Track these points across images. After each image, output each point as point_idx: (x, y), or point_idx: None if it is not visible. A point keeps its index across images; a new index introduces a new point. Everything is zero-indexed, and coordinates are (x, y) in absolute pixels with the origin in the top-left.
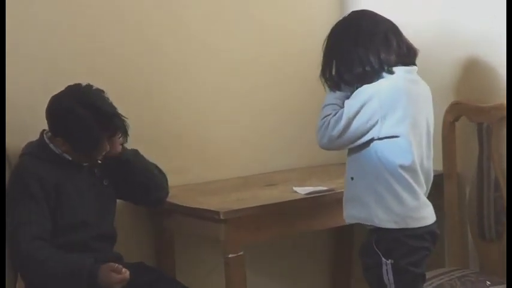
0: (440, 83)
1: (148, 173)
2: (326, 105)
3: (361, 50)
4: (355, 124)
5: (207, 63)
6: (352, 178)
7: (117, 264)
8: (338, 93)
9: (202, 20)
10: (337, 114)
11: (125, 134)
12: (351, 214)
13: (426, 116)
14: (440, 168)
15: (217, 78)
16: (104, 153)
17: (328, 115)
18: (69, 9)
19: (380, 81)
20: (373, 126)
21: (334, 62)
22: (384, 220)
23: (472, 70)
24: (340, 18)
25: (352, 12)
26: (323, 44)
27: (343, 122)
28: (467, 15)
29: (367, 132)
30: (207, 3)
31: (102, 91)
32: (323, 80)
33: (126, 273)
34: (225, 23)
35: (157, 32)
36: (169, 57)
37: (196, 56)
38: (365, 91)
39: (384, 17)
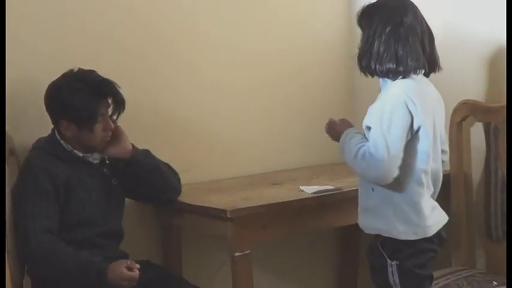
0: (447, 82)
1: (159, 172)
2: (345, 146)
3: (400, 47)
4: (394, 132)
5: (214, 61)
6: (373, 189)
7: (130, 260)
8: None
9: (211, 17)
10: (371, 139)
11: (119, 101)
12: (368, 225)
13: (433, 117)
14: (447, 168)
15: (224, 76)
16: (106, 136)
17: (360, 147)
18: (79, 7)
19: (398, 83)
20: (410, 125)
21: (368, 50)
22: (403, 232)
23: (479, 70)
24: (365, 4)
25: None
26: (361, 22)
27: (380, 139)
28: (475, 16)
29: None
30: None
31: (94, 71)
32: (358, 65)
33: (136, 271)
34: (233, 19)
35: (166, 29)
36: (176, 54)
37: (204, 54)
38: (383, 104)
39: (422, 16)
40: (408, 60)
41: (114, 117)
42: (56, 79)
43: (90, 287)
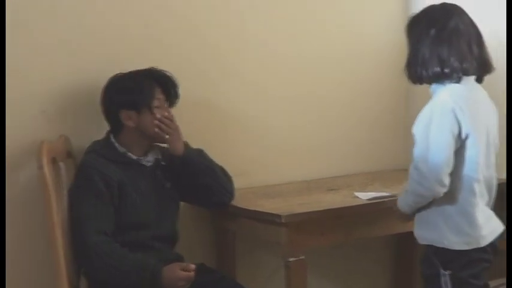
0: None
1: (212, 173)
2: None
3: (443, 49)
4: (441, 140)
5: (270, 67)
6: None
7: (186, 263)
8: None
9: (268, 23)
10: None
11: (173, 86)
12: (421, 235)
13: (486, 123)
14: (503, 176)
15: (281, 81)
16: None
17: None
18: (127, 11)
19: (447, 89)
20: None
21: (413, 57)
22: (455, 242)
23: None
24: (411, 15)
25: (442, 4)
26: (407, 32)
27: (425, 150)
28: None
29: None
30: (272, 6)
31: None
32: (406, 73)
33: (192, 272)
34: (290, 26)
35: (221, 36)
36: (231, 60)
37: (259, 60)
38: (425, 114)
39: (471, 18)
40: (453, 61)
41: (170, 104)
42: (113, 76)
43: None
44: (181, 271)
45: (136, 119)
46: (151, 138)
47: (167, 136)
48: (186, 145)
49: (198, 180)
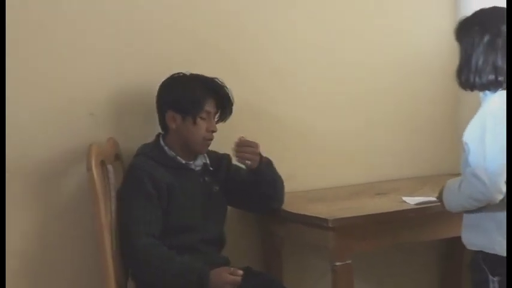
0: None
1: (275, 184)
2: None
3: (499, 57)
4: (497, 147)
5: (318, 71)
6: None
7: (233, 268)
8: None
9: (317, 28)
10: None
11: (230, 103)
12: (470, 241)
13: None
14: None
15: (330, 85)
16: (208, 137)
17: (461, 179)
18: (175, 9)
19: (497, 96)
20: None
21: (466, 64)
22: (506, 248)
23: None
24: (460, 18)
25: (493, 8)
26: (458, 37)
27: (481, 156)
28: None
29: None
30: (320, 10)
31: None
32: (457, 80)
33: (239, 276)
34: (339, 30)
35: (272, 41)
36: (280, 65)
37: (309, 63)
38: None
39: None
40: (506, 69)
41: (222, 119)
42: (174, 74)
43: None
44: (228, 275)
45: (179, 123)
46: (187, 146)
47: (248, 162)
48: (260, 155)
49: (260, 189)
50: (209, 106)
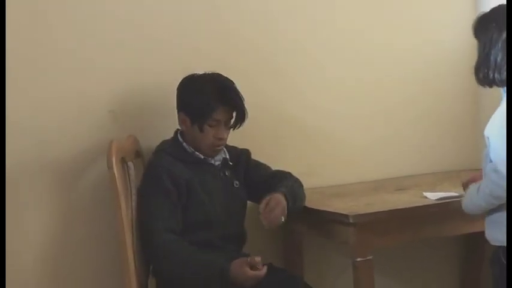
0: None
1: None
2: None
3: None
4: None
5: (336, 67)
6: None
7: (251, 258)
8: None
9: (327, 22)
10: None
11: (240, 114)
12: (493, 236)
13: None
14: None
15: (352, 80)
16: (217, 144)
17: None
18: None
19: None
20: None
21: (485, 61)
22: None
23: None
24: (478, 14)
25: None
26: (476, 33)
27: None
28: None
29: None
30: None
31: (232, 81)
32: (475, 77)
33: (262, 269)
34: (354, 23)
35: (295, 33)
36: (302, 56)
37: (331, 56)
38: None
39: None
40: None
41: (232, 127)
42: (192, 74)
43: (214, 286)
44: (249, 269)
45: (189, 126)
46: (200, 151)
47: (282, 218)
48: (284, 196)
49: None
50: (219, 114)
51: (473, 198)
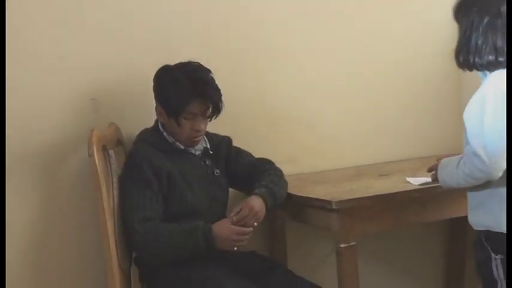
0: None
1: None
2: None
3: (498, 38)
4: (498, 124)
5: (318, 55)
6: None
7: (231, 215)
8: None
9: (317, 17)
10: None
11: (215, 108)
12: (476, 221)
13: None
14: None
15: (332, 68)
16: (194, 136)
17: (460, 157)
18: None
19: (496, 74)
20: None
21: (466, 45)
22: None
23: None
24: None
25: None
26: (456, 17)
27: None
28: None
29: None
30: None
31: (209, 71)
32: (455, 60)
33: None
34: (339, 13)
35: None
36: (278, 49)
37: (312, 46)
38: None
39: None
40: (506, 49)
41: (208, 117)
42: (168, 65)
43: (201, 254)
44: (233, 226)
45: (166, 119)
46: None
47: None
48: (263, 199)
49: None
50: (194, 108)
51: (453, 174)
